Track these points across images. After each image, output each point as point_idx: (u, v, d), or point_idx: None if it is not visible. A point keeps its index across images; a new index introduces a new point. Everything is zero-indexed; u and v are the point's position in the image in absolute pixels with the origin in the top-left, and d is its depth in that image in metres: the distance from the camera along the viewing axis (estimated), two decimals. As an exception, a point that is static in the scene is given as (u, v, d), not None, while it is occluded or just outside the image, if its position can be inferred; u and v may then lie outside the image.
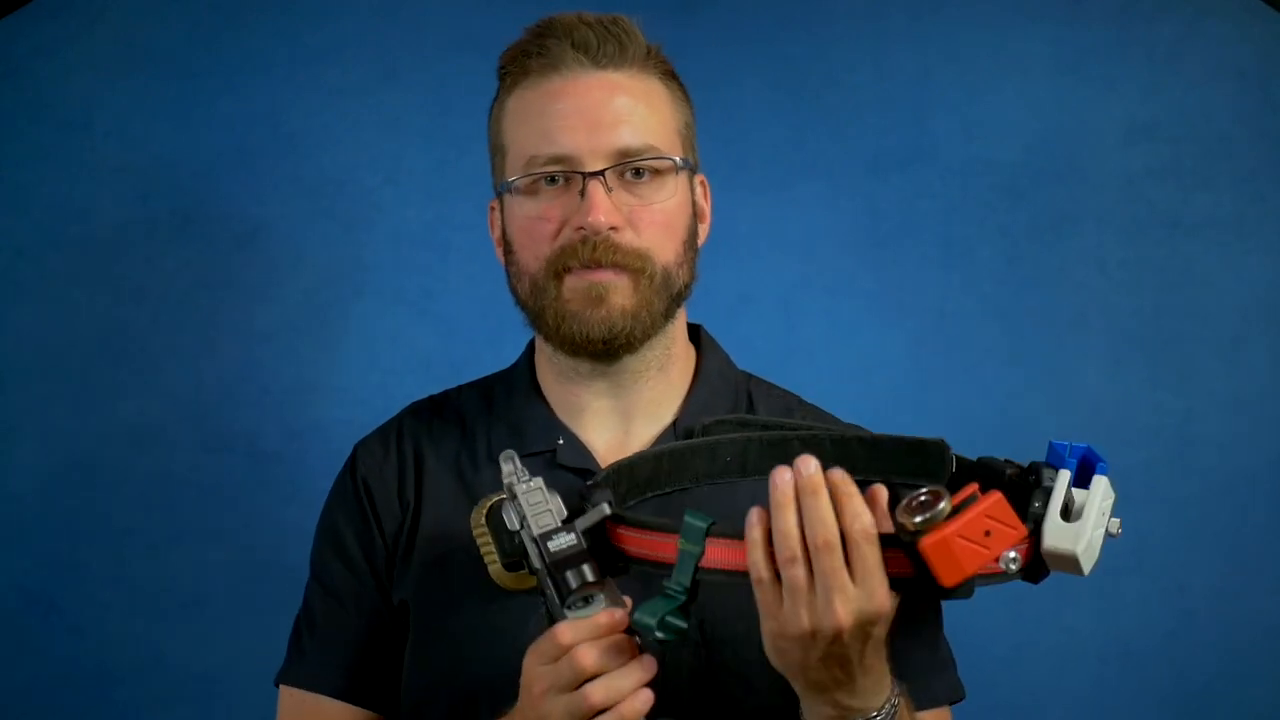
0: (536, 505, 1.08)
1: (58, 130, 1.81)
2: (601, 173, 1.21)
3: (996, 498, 0.98)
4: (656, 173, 1.23)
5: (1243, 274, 1.85)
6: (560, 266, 1.22)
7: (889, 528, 0.99)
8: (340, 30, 1.85)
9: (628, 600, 1.04)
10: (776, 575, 0.98)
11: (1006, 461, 1.17)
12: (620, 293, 1.22)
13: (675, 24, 1.84)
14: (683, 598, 1.01)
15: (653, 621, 1.01)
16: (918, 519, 0.95)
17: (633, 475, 1.18)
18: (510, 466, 1.11)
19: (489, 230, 1.34)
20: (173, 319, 1.81)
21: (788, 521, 0.97)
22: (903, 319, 1.86)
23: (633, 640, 1.03)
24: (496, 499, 1.15)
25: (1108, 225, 1.86)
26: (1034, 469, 1.09)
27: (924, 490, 0.97)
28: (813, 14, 1.89)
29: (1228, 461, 1.84)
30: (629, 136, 1.22)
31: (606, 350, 1.24)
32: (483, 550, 1.15)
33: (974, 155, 1.87)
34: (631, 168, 1.22)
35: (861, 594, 0.97)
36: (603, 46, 1.23)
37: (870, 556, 0.97)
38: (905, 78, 1.87)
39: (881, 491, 1.05)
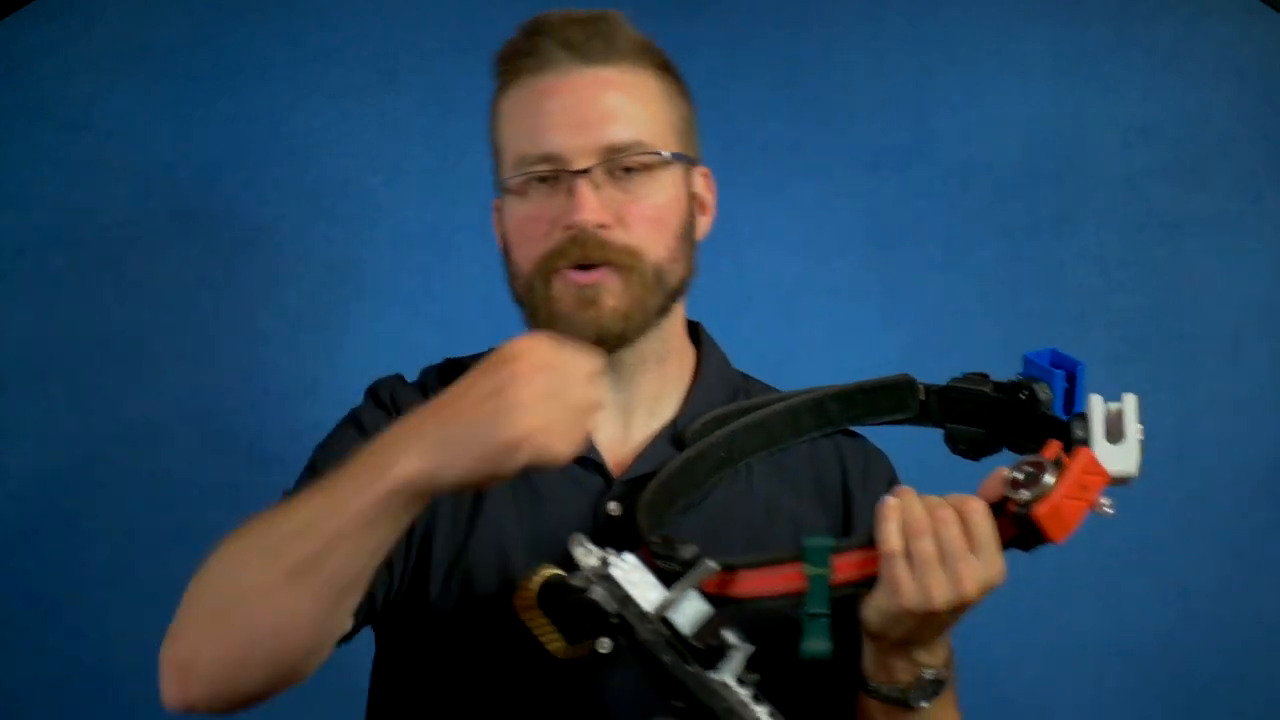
0: (638, 582, 1.06)
1: (58, 130, 1.81)
2: (588, 170, 1.20)
3: (1086, 454, 1.08)
4: (647, 168, 1.22)
5: (1243, 274, 1.85)
6: (550, 267, 1.21)
7: (994, 496, 1.08)
8: (341, 31, 1.85)
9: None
10: (905, 552, 1.06)
11: (978, 376, 1.25)
12: (612, 294, 1.21)
13: (676, 24, 1.85)
14: (828, 616, 1.07)
15: (828, 646, 1.07)
16: (1025, 494, 1.05)
17: (657, 508, 1.19)
18: (583, 550, 1.07)
19: (494, 230, 1.33)
20: (173, 319, 1.81)
21: (916, 506, 1.07)
22: (903, 319, 1.86)
23: None
24: (541, 578, 1.12)
25: (1108, 225, 1.87)
26: (1025, 386, 1.19)
27: (1025, 463, 1.06)
28: (813, 14, 1.89)
29: (1228, 461, 1.84)
30: (617, 132, 1.21)
31: (601, 349, 1.21)
32: (537, 631, 1.12)
33: (974, 155, 1.87)
34: (620, 165, 1.21)
35: (982, 563, 1.06)
36: (590, 42, 1.22)
37: (985, 526, 1.06)
38: (905, 78, 1.88)
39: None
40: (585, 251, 1.20)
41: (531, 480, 1.24)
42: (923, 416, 1.29)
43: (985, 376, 1.26)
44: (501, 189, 1.27)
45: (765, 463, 1.29)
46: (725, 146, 1.84)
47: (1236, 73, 1.86)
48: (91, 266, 1.81)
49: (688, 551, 1.08)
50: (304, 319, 1.83)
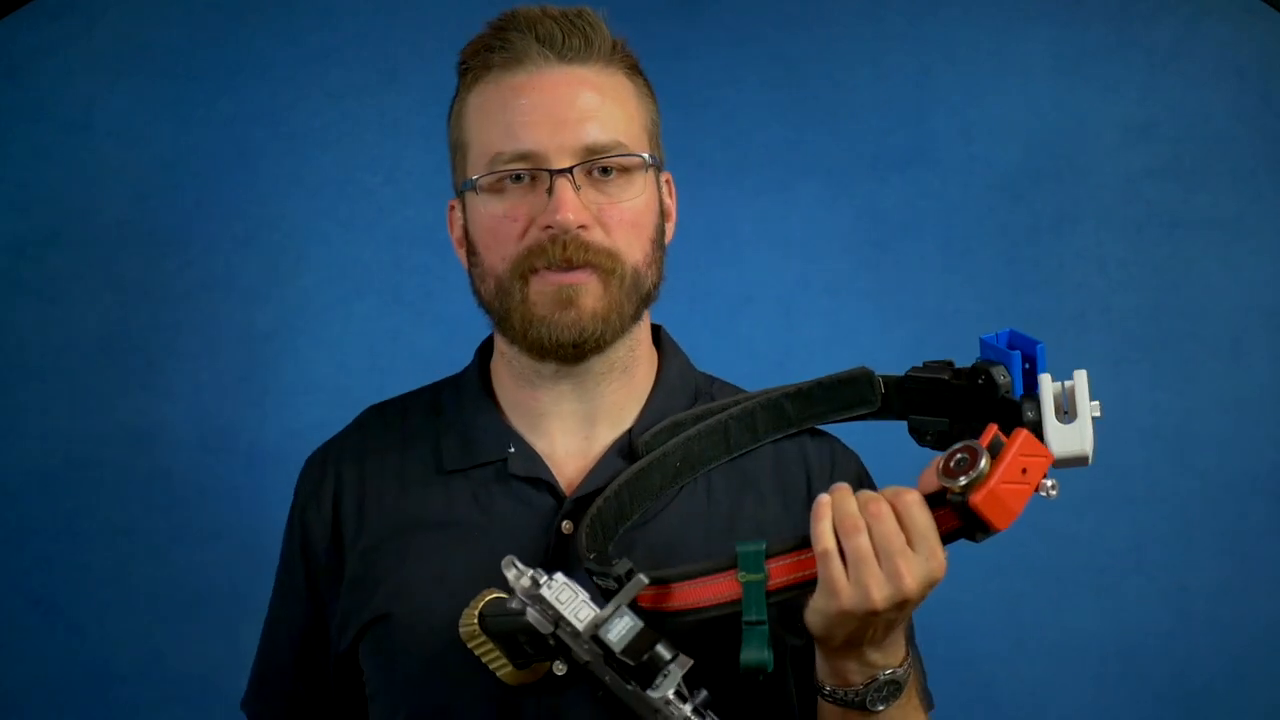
0: (569, 601, 1.06)
1: (58, 130, 1.81)
2: (569, 170, 1.17)
3: (1024, 436, 1.03)
4: (624, 170, 1.20)
5: (1243, 274, 1.85)
6: (527, 267, 1.18)
7: (932, 487, 1.04)
8: (341, 31, 1.85)
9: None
10: (840, 552, 1.03)
11: (940, 365, 1.21)
12: (591, 295, 1.18)
13: (675, 24, 1.85)
14: (767, 625, 1.04)
15: (767, 655, 1.04)
16: (961, 480, 1.01)
17: (604, 520, 1.17)
18: (515, 572, 1.08)
19: (448, 231, 1.29)
20: (173, 319, 1.81)
21: (848, 502, 1.04)
22: (903, 319, 1.86)
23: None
24: (483, 603, 1.12)
25: (1108, 225, 1.86)
26: (981, 370, 1.14)
27: (958, 449, 1.03)
28: (813, 14, 1.89)
29: (1228, 461, 1.84)
30: (596, 133, 1.18)
31: (576, 354, 1.21)
32: (486, 658, 1.12)
33: (974, 155, 1.87)
34: (599, 165, 1.19)
35: (921, 557, 1.02)
36: (568, 40, 1.19)
37: (921, 519, 1.03)
38: (905, 78, 1.88)
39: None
40: (566, 253, 1.17)
41: (482, 505, 1.23)
42: (884, 410, 1.25)
43: (949, 364, 1.21)
44: (465, 188, 1.22)
45: (726, 470, 1.25)
46: (725, 146, 1.85)
47: (1236, 73, 1.86)
48: (91, 266, 1.81)
49: (621, 567, 1.06)
50: (304, 319, 1.83)
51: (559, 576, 1.07)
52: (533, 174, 1.18)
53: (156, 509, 1.80)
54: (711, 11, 1.88)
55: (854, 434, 1.33)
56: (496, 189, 1.20)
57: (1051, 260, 1.86)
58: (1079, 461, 1.08)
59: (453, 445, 1.26)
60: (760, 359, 1.83)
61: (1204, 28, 1.86)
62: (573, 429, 1.25)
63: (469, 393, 1.29)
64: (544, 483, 1.22)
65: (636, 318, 1.23)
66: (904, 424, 1.26)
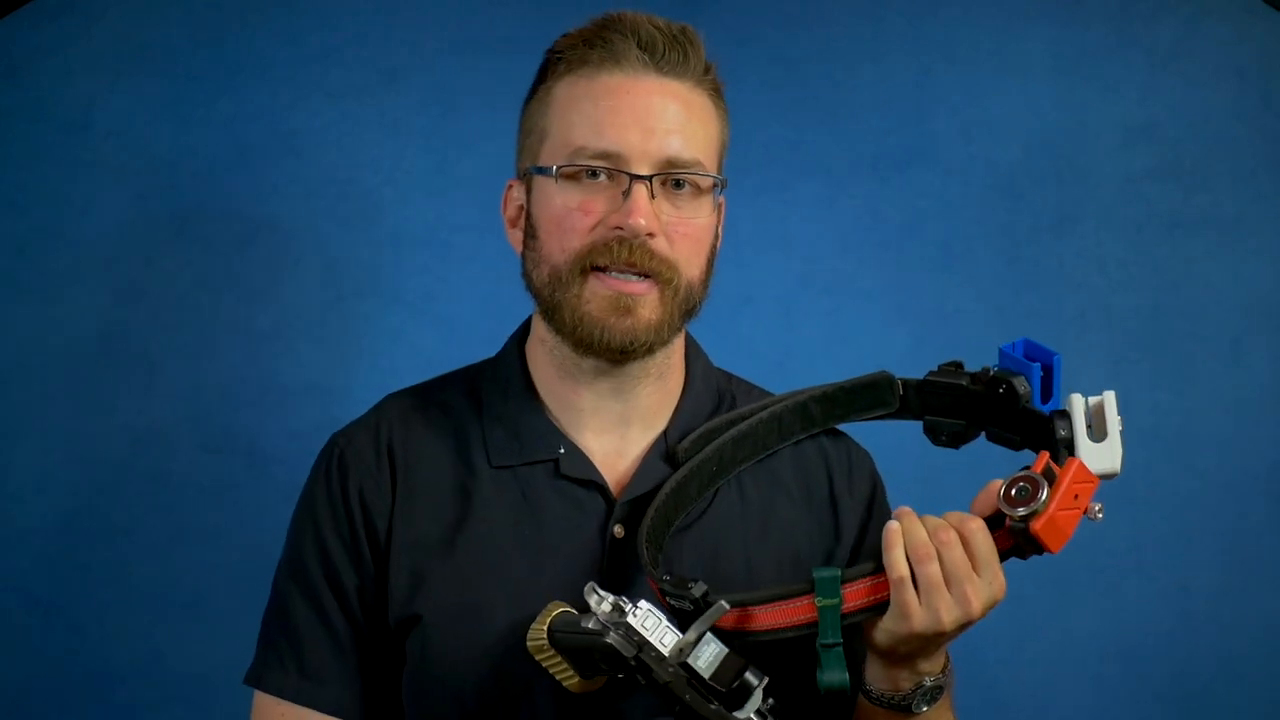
0: (653, 628, 1.09)
1: (58, 130, 1.81)
2: (649, 177, 1.20)
3: (1077, 465, 1.10)
4: (697, 188, 1.24)
5: (1243, 274, 1.86)
6: (589, 263, 1.21)
7: (988, 511, 1.10)
8: (341, 31, 1.85)
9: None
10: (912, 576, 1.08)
11: (952, 367, 1.27)
12: (648, 305, 1.21)
13: (675, 24, 1.85)
14: (842, 646, 1.10)
15: (846, 676, 1.10)
16: (1021, 511, 1.08)
17: (655, 531, 1.20)
18: (597, 598, 1.11)
19: (500, 209, 1.31)
20: (173, 319, 1.81)
21: (919, 531, 1.09)
22: (903, 319, 1.86)
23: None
24: (551, 617, 1.14)
25: (1108, 225, 1.87)
26: (1002, 380, 1.21)
27: (1019, 478, 1.09)
28: (813, 14, 1.89)
29: (1228, 461, 1.84)
30: (679, 147, 1.22)
31: (622, 358, 1.24)
32: (554, 670, 1.14)
33: (974, 155, 1.87)
34: (675, 179, 1.22)
35: (985, 581, 1.09)
36: (668, 53, 1.22)
37: (985, 544, 1.09)
38: (905, 78, 1.88)
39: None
40: (631, 256, 1.20)
41: (533, 505, 1.25)
42: (903, 411, 1.32)
43: (959, 367, 1.28)
44: (535, 172, 1.24)
45: (754, 470, 1.30)
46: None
47: (1236, 73, 1.86)
48: (91, 266, 1.80)
49: (698, 590, 1.10)
50: (304, 319, 1.83)
51: (643, 604, 1.10)
52: (611, 174, 1.21)
53: (156, 509, 1.80)
54: (711, 11, 1.88)
55: (861, 430, 1.36)
56: (573, 180, 1.22)
57: (1051, 260, 1.87)
58: (1108, 477, 1.15)
59: (500, 440, 1.28)
60: (760, 359, 1.83)
61: (1204, 28, 1.86)
62: (610, 427, 1.28)
63: (513, 386, 1.30)
64: (595, 485, 1.25)
65: (680, 330, 1.27)
66: (909, 422, 1.32)
